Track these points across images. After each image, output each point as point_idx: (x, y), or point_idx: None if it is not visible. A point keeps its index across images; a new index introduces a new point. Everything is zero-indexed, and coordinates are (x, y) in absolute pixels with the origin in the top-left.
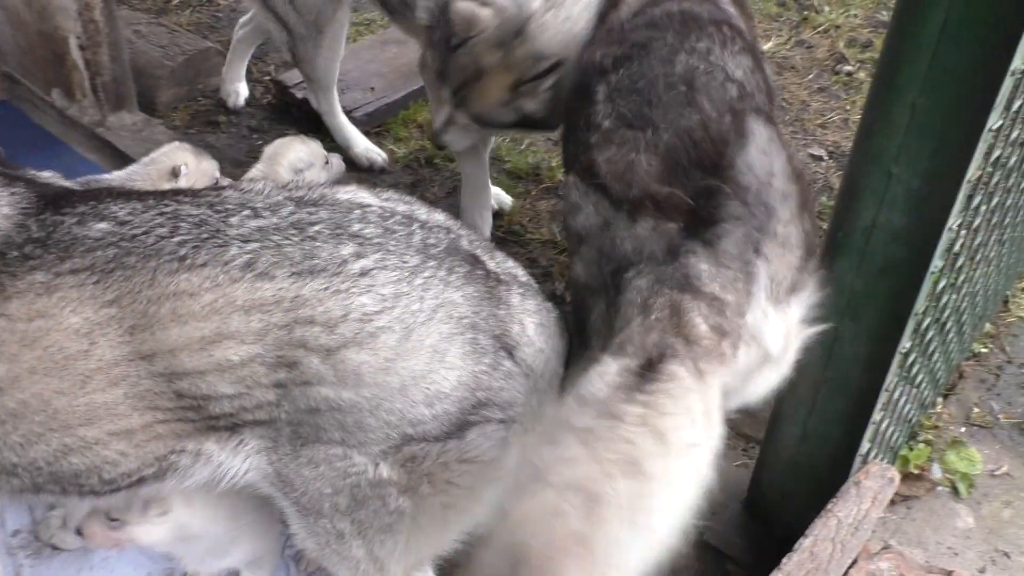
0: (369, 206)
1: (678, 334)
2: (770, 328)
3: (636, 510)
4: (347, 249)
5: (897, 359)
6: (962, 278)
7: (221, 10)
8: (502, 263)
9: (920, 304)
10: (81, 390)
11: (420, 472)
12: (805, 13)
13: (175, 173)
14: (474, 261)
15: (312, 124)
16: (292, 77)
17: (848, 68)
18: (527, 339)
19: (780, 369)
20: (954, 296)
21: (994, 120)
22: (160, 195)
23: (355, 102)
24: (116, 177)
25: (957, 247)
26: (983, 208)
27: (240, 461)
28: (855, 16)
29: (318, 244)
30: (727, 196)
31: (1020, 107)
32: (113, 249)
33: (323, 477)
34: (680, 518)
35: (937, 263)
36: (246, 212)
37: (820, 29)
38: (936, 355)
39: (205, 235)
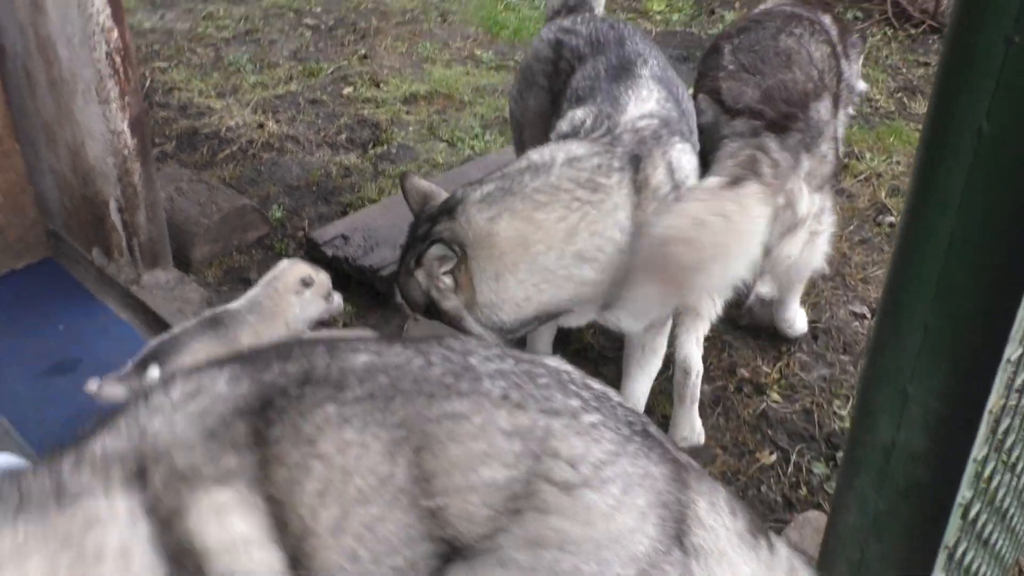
0: (572, 373)
1: (752, 171)
2: (802, 199)
3: (730, 235)
4: (575, 402)
5: None
6: (1002, 502)
7: (263, 164)
8: (678, 449)
9: (951, 535)
10: (391, 513)
11: None
12: (846, 160)
13: (306, 283)
14: (663, 445)
15: (342, 283)
16: (323, 234)
17: (891, 219)
18: (698, 522)
19: (801, 237)
20: (991, 522)
21: (1012, 351)
22: (387, 340)
23: (383, 260)
24: (240, 304)
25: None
26: (1011, 435)
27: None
28: (897, 163)
29: (550, 392)
30: (797, 120)
31: None
32: (384, 377)
33: None
34: (752, 249)
35: (966, 494)
36: (481, 355)
37: (861, 177)
38: None
39: (458, 369)
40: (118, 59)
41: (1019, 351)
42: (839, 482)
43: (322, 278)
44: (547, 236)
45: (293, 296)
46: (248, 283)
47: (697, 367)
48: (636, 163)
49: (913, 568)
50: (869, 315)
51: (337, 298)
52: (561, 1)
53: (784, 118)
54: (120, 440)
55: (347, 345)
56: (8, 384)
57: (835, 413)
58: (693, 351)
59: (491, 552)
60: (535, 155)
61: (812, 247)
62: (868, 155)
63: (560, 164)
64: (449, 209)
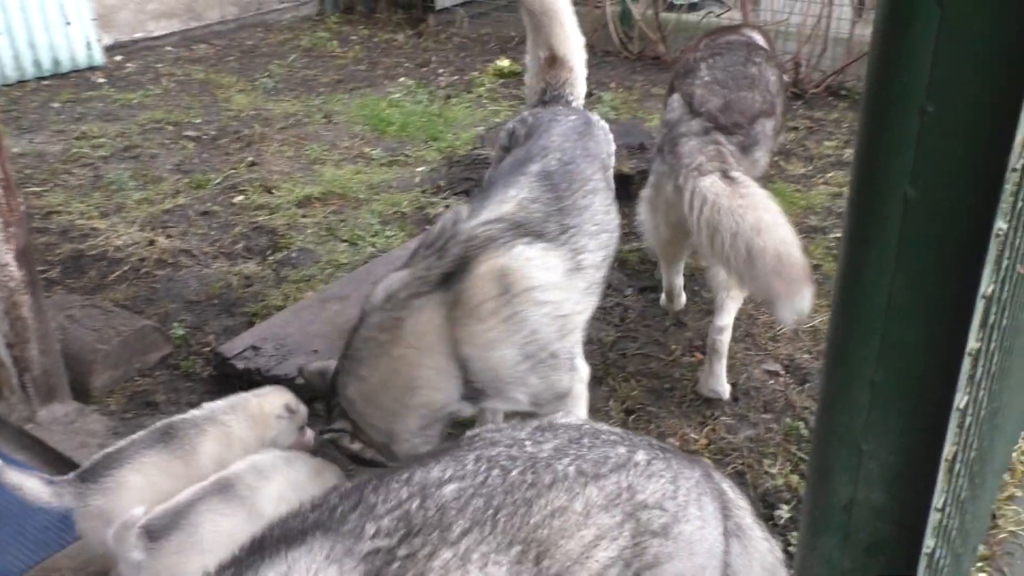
0: (585, 422)
1: (723, 163)
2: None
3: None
4: (621, 448)
5: None
6: (954, 535)
7: (158, 281)
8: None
9: None
10: None
11: None
12: None
13: (290, 409)
14: (676, 451)
15: None
16: (232, 347)
17: None
18: (733, 505)
19: None
20: (944, 553)
21: (960, 399)
22: (436, 457)
23: (297, 368)
24: (197, 414)
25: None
26: (961, 475)
27: None
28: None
29: (602, 449)
30: (742, 128)
31: (980, 382)
32: (478, 500)
33: None
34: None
35: (929, 543)
36: (529, 442)
37: None
38: None
39: (528, 463)
40: (0, 190)
41: (965, 399)
42: (800, 543)
43: (303, 411)
44: (376, 388)
45: (274, 420)
46: (155, 407)
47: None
48: (449, 280)
49: None
50: (783, 372)
51: (309, 433)
52: (538, 95)
53: (733, 125)
54: None
55: (429, 479)
56: None
57: (766, 472)
58: (731, 321)
59: None
60: (370, 296)
61: None
62: None
63: (375, 309)
64: (334, 388)
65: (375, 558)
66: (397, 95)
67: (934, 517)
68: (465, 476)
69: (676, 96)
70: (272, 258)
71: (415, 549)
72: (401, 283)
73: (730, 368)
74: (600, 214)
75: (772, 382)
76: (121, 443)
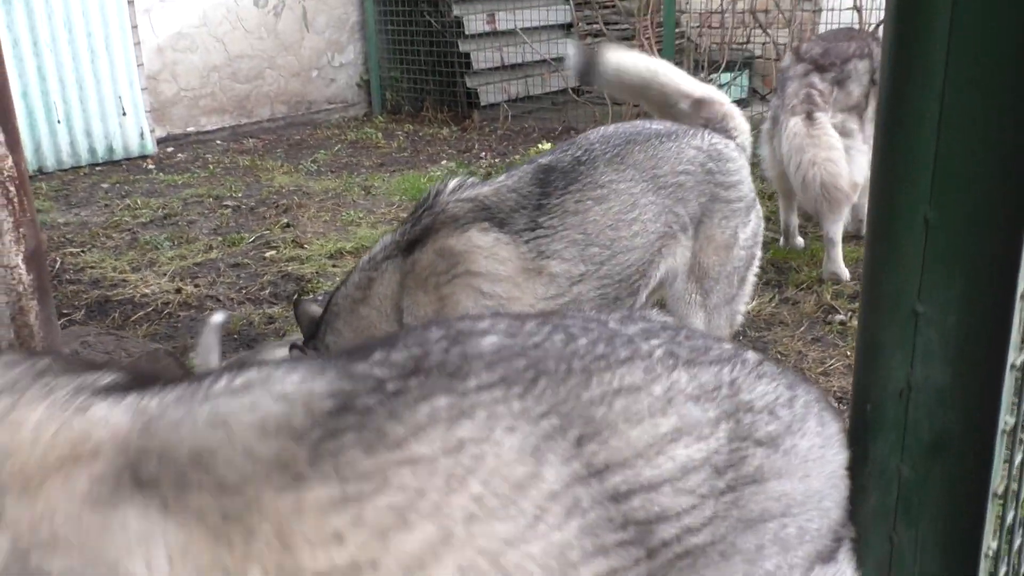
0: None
1: (811, 104)
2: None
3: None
4: (727, 346)
5: (984, 565)
6: None
7: (180, 321)
8: None
9: (996, 480)
10: (534, 531)
11: None
12: (785, 275)
13: None
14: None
15: None
16: None
17: (840, 317)
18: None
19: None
20: None
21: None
22: (516, 320)
23: None
24: None
25: None
26: None
27: None
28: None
29: (698, 340)
30: (835, 66)
31: None
32: (520, 360)
33: None
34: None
35: (1008, 420)
36: (616, 320)
37: (803, 286)
38: None
39: (605, 335)
40: (12, 188)
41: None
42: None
43: None
44: (347, 342)
45: None
46: None
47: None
48: (411, 249)
49: (956, 545)
50: (835, 403)
51: None
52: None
53: (829, 64)
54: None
55: (472, 328)
56: None
57: None
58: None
59: (705, 550)
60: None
61: (850, 160)
62: (805, 268)
63: (359, 267)
64: (315, 332)
65: (361, 382)
66: (438, 173)
67: (1010, 377)
68: (517, 335)
69: (789, 54)
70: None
71: (408, 388)
72: (382, 245)
73: None
74: (603, 227)
75: None
76: None
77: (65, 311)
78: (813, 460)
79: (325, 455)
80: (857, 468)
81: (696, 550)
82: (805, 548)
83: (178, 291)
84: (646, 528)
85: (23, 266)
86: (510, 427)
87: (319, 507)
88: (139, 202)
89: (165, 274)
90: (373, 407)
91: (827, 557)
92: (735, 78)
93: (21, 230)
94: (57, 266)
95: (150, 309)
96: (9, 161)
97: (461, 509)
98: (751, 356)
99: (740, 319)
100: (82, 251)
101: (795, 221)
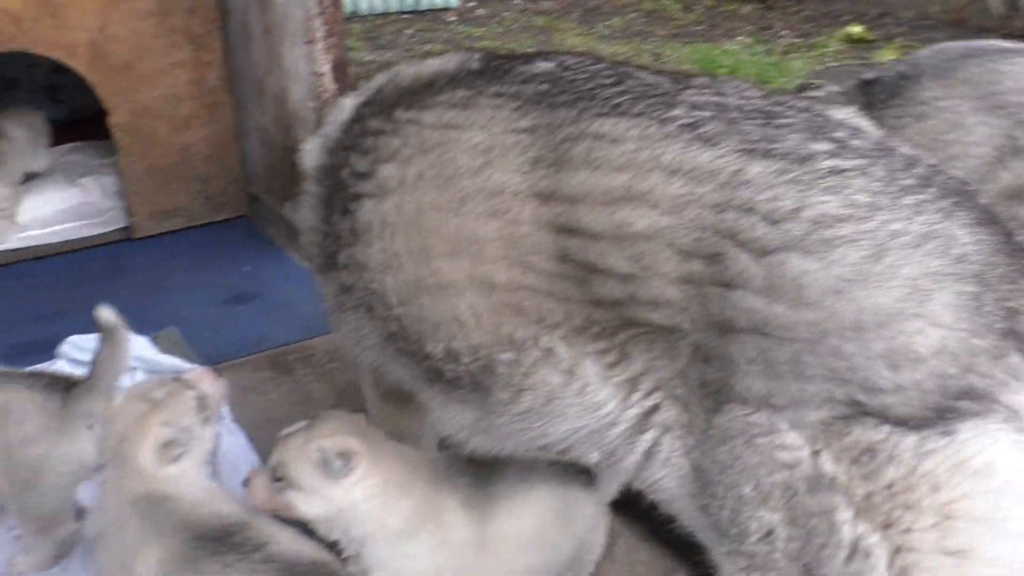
0: (863, 131)
1: None
2: None
3: None
4: (821, 146)
5: None
6: None
7: None
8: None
9: None
10: (456, 210)
11: (883, 483)
12: None
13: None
14: (996, 219)
15: None
16: None
17: None
18: None
19: None
20: None
21: None
22: (623, 63)
23: None
24: None
25: None
26: None
27: (634, 423)
28: None
29: (784, 132)
30: None
31: None
32: (546, 85)
33: (738, 464)
34: None
35: None
36: (708, 89)
37: None
38: None
39: (651, 93)
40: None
41: None
42: None
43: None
44: None
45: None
46: None
47: None
48: None
49: None
50: None
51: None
52: None
53: None
54: None
55: (560, 56)
56: (190, 307)
57: None
58: None
59: (665, 331)
60: None
61: None
62: None
63: None
64: None
65: (531, 85)
66: (733, 47)
67: None
68: (571, 70)
69: None
70: None
71: (459, 80)
72: None
73: None
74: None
75: None
76: None
77: None
78: (815, 287)
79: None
80: None
81: (654, 327)
82: (806, 390)
83: None
84: (582, 272)
85: (329, 74)
86: (483, 128)
87: None
88: (437, 49)
89: None
90: (444, 86)
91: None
92: None
93: (331, 39)
94: (343, 24)
95: None
96: None
97: (416, 168)
98: (830, 164)
99: None
100: None
101: None
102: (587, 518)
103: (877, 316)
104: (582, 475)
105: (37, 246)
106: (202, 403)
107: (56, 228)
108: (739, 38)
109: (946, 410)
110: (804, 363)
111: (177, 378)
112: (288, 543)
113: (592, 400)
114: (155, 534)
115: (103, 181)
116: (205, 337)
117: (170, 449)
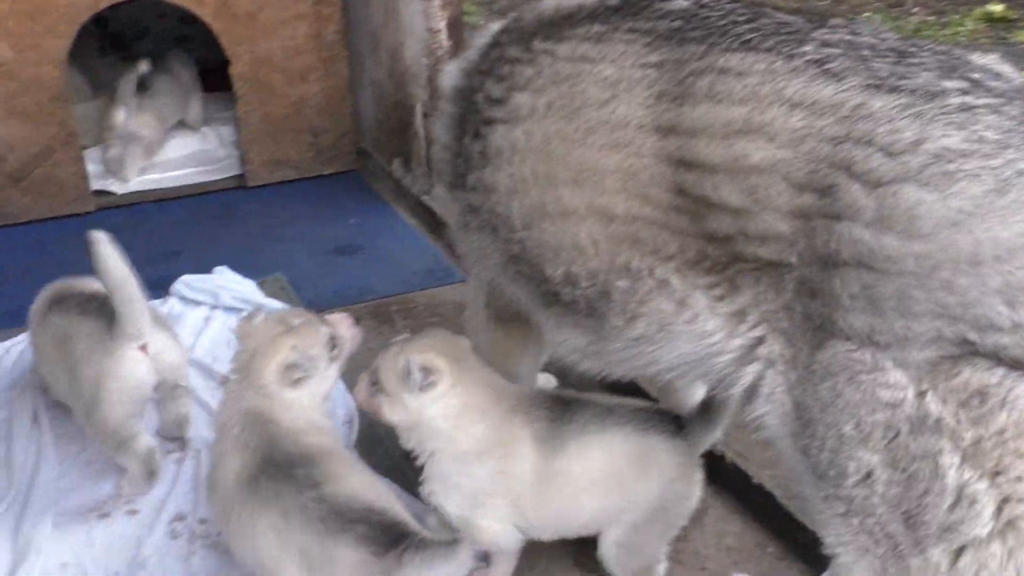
0: (1005, 75)
1: None
2: None
3: None
4: (953, 84)
5: None
6: None
7: None
8: None
9: None
10: (581, 141)
11: (995, 429)
12: None
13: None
14: None
15: None
16: None
17: None
18: None
19: None
20: None
21: None
22: (760, 3)
23: None
24: None
25: None
26: None
27: (740, 354)
28: None
29: (915, 70)
30: None
31: None
32: (680, 22)
33: (840, 402)
34: None
35: None
36: (842, 28)
37: None
38: None
39: (784, 31)
40: None
41: None
42: None
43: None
44: None
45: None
46: None
47: None
48: None
49: None
50: None
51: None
52: None
53: None
54: None
55: None
56: (296, 256)
57: None
58: None
59: (773, 267)
60: None
61: None
62: None
63: None
64: None
65: (664, 22)
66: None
67: None
68: (707, 8)
69: None
70: None
71: (596, 15)
72: None
73: None
74: None
75: None
76: None
77: None
78: (929, 219)
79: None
80: None
81: (762, 262)
82: (912, 327)
83: None
84: (697, 206)
85: (444, 31)
86: (614, 61)
87: None
88: None
89: None
90: (581, 20)
91: None
92: None
93: None
94: None
95: None
96: None
97: (547, 97)
98: (960, 101)
99: None
100: None
101: None
102: (668, 468)
103: (996, 249)
104: (665, 425)
105: (157, 189)
106: (334, 342)
107: (176, 173)
108: (866, 14)
109: None
110: (911, 298)
111: (318, 314)
112: (352, 488)
113: (701, 329)
114: (241, 447)
115: (221, 131)
116: (309, 285)
117: (292, 372)
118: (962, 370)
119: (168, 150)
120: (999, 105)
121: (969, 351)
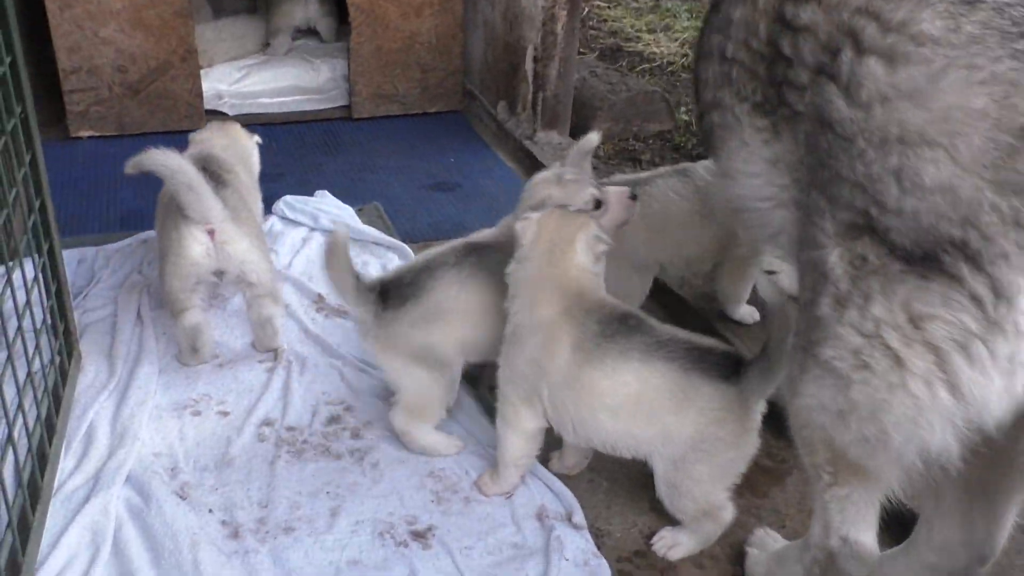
0: None
1: None
2: None
3: None
4: None
5: None
6: None
7: (680, 81)
8: None
9: None
10: None
11: (862, 292)
12: None
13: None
14: None
15: None
16: None
17: None
18: None
19: None
20: None
21: None
22: None
23: None
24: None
25: None
26: None
27: (775, 201)
28: None
29: None
30: None
31: None
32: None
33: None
34: None
35: None
36: None
37: None
38: None
39: None
40: None
41: None
42: None
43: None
44: None
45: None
46: (639, 164)
47: None
48: None
49: None
50: None
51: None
52: None
53: None
54: None
55: None
56: (394, 188)
57: None
58: None
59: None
60: None
61: None
62: None
63: None
64: None
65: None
66: None
67: None
68: None
69: None
70: None
71: None
72: None
73: None
74: None
75: None
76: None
77: (581, 50)
78: (873, 95)
79: None
80: None
81: (791, 111)
82: (840, 193)
83: (684, 56)
84: (772, 53)
85: None
86: None
87: None
88: None
89: (676, 39)
90: None
91: None
92: None
93: None
94: (584, 13)
95: (655, 64)
96: None
97: None
98: None
99: None
100: (608, 7)
101: None
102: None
103: (902, 131)
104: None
105: (265, 114)
106: (598, 204)
107: (285, 99)
108: None
109: (929, 256)
110: (840, 161)
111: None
112: (665, 328)
113: (751, 170)
114: (569, 320)
115: (333, 63)
116: (405, 217)
117: (597, 246)
118: (858, 238)
119: (280, 78)
120: (1006, 6)
121: (868, 225)
